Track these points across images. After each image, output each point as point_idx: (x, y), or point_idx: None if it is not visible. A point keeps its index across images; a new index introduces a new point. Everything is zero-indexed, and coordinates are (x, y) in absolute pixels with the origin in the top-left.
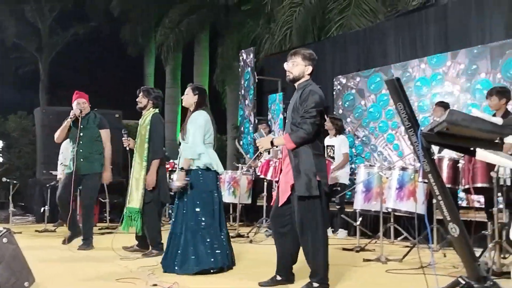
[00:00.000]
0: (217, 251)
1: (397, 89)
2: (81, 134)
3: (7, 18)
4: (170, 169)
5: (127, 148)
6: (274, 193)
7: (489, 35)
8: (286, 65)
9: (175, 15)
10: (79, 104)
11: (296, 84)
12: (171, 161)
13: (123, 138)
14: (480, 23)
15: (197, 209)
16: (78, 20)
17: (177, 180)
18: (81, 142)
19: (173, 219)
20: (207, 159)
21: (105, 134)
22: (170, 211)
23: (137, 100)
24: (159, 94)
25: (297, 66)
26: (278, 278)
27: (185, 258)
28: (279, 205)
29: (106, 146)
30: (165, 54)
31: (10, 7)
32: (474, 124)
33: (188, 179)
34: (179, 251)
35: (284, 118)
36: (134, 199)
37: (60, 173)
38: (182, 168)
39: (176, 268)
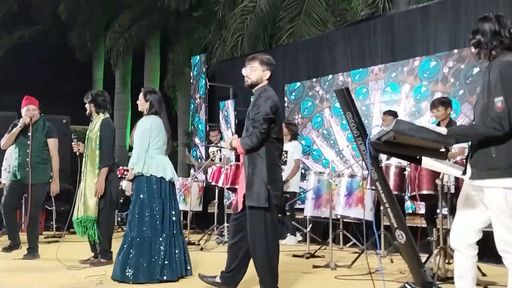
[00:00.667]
0: (145, 264)
1: (346, 99)
2: (29, 142)
3: None
4: (119, 175)
5: (77, 153)
6: (234, 200)
7: (433, 46)
8: (244, 71)
9: (125, 20)
10: (29, 111)
11: (255, 89)
12: (120, 167)
13: (73, 143)
14: (425, 34)
15: (136, 218)
16: (25, 23)
17: (127, 190)
18: (28, 151)
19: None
20: (140, 167)
21: (52, 143)
22: (118, 219)
23: (85, 106)
24: (104, 97)
25: (255, 71)
26: (218, 280)
27: (118, 267)
28: (238, 211)
29: (53, 156)
30: (114, 59)
31: None
32: (420, 133)
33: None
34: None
35: (236, 125)
36: (90, 208)
37: (4, 178)
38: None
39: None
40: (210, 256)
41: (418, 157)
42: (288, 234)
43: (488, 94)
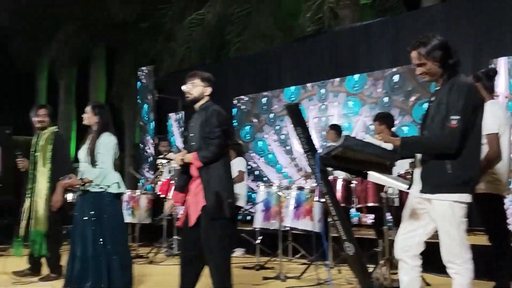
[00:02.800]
0: (113, 275)
1: (296, 114)
2: None
3: None
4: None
5: (22, 170)
6: (181, 214)
7: (376, 62)
8: (185, 87)
9: (70, 30)
10: None
11: (196, 106)
12: None
13: (18, 160)
14: (368, 50)
15: (102, 233)
16: None
17: (73, 185)
18: None
19: (74, 241)
20: (116, 188)
21: None
22: (64, 232)
23: (38, 120)
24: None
25: (196, 87)
26: None
27: (83, 281)
28: (189, 226)
29: None
30: (58, 69)
31: None
32: (367, 149)
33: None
34: (79, 274)
35: (185, 137)
36: (41, 222)
37: None
38: (83, 183)
39: None
40: (159, 270)
41: (364, 171)
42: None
43: (446, 112)
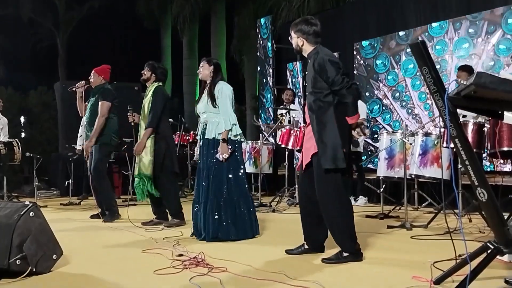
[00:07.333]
0: (239, 221)
1: (422, 53)
2: (88, 107)
3: None
4: (190, 140)
5: (132, 123)
6: (298, 161)
7: None
8: None
9: None
10: (90, 77)
11: (306, 55)
12: (192, 132)
13: (128, 114)
14: None
15: (226, 179)
16: None
17: (222, 153)
18: (86, 116)
19: (196, 188)
20: (238, 129)
21: (100, 105)
22: (192, 182)
23: (142, 72)
24: (164, 71)
25: (292, 40)
26: (306, 246)
27: (208, 226)
28: (303, 171)
29: (98, 117)
30: (181, 25)
31: None
32: (503, 86)
33: (231, 147)
34: (202, 220)
35: (304, 87)
36: (145, 166)
37: (79, 145)
38: (224, 140)
39: (202, 235)
40: (282, 218)
41: (500, 112)
42: (361, 196)
43: None
